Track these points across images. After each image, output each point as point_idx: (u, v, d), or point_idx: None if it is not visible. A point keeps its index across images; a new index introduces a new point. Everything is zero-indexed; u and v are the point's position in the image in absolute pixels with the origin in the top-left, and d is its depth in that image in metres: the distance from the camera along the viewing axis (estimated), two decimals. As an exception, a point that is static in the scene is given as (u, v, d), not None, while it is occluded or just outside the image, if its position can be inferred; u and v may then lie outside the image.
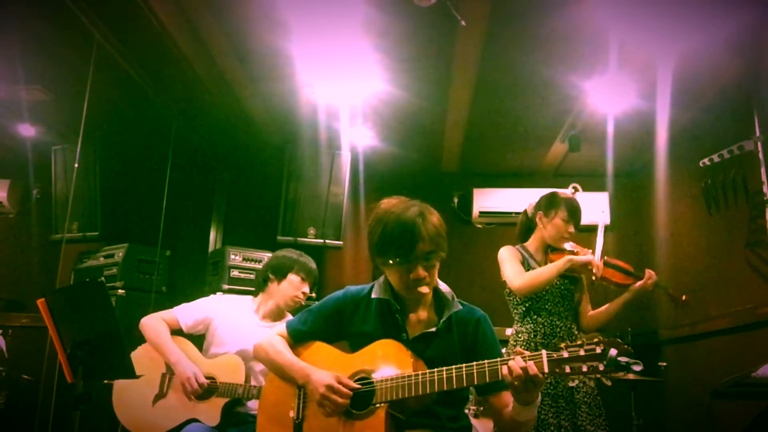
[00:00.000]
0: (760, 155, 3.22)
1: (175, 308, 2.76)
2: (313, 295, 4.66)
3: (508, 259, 2.96)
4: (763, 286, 3.22)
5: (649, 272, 2.89)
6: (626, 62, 3.46)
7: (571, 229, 2.98)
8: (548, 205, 3.03)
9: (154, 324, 2.68)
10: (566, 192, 3.12)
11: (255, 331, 2.68)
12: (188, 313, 2.74)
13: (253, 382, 2.55)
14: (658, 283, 2.91)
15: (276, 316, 2.83)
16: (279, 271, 2.83)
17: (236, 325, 2.73)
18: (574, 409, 2.77)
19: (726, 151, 3.39)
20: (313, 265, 2.91)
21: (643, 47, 3.35)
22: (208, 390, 2.52)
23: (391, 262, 1.83)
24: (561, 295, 2.95)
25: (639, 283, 2.88)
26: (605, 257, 2.96)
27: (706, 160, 3.54)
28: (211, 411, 2.49)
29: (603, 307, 3.02)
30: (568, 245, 3.00)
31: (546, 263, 2.98)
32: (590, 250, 2.96)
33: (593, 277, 2.87)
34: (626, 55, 3.40)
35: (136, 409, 2.61)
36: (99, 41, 3.44)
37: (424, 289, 1.85)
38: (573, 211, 2.99)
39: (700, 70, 3.53)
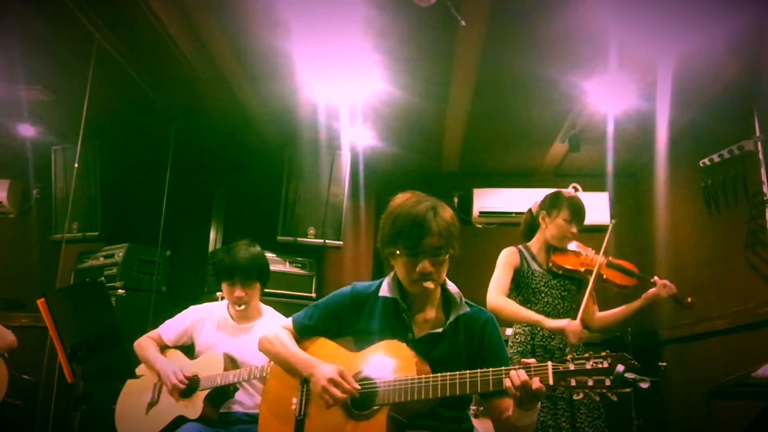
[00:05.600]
0: (760, 155, 3.22)
1: (161, 325, 2.84)
2: (313, 295, 4.69)
3: (500, 266, 2.92)
4: (763, 286, 3.22)
5: (663, 282, 2.83)
6: (626, 62, 3.47)
7: (574, 229, 2.92)
8: (551, 204, 2.98)
9: (141, 342, 2.78)
10: (570, 191, 3.06)
11: (231, 333, 2.74)
12: (170, 327, 2.82)
13: (231, 376, 2.55)
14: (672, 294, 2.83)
15: (242, 317, 2.80)
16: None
17: (214, 330, 2.79)
18: (573, 411, 2.75)
19: (726, 151, 3.40)
20: (237, 259, 2.76)
21: (643, 47, 3.35)
22: (190, 387, 2.56)
23: (398, 252, 1.82)
24: (561, 296, 2.92)
25: (653, 291, 2.83)
26: (609, 258, 2.93)
27: (706, 160, 3.55)
28: (193, 405, 2.55)
29: (614, 310, 2.96)
30: (571, 245, 2.97)
31: (548, 264, 2.94)
32: (593, 251, 2.95)
33: (568, 344, 2.72)
34: (626, 55, 3.40)
35: (133, 420, 2.69)
36: (99, 41, 3.44)
37: (430, 285, 1.82)
38: (576, 211, 2.93)
39: (700, 70, 3.54)
